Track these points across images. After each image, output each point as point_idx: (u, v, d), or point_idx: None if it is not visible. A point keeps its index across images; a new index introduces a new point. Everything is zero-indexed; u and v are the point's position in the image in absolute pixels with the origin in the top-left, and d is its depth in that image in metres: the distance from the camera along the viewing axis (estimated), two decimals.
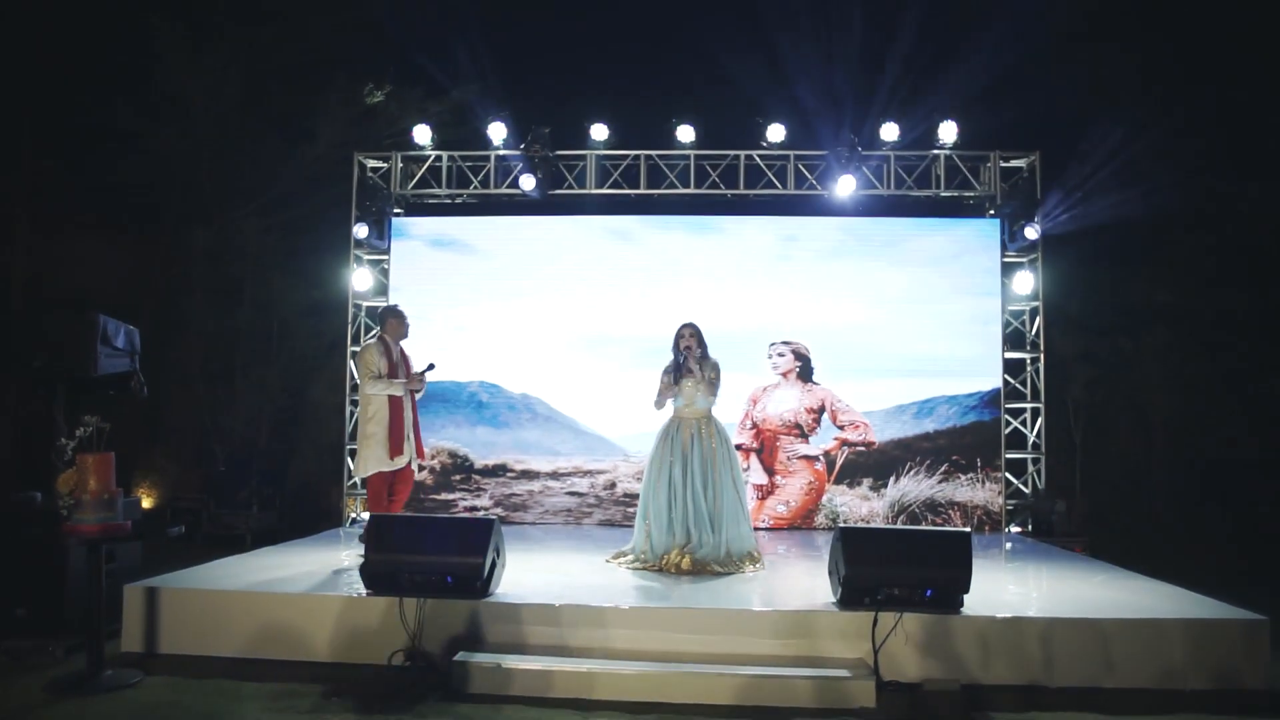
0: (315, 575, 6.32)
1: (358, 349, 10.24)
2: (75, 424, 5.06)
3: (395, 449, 7.13)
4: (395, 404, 7.15)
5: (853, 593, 5.32)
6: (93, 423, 4.97)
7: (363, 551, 5.51)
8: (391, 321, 7.41)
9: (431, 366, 7.41)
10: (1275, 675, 5.16)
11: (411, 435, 7.29)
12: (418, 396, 7.51)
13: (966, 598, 5.34)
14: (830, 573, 5.69)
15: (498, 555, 5.68)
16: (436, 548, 5.44)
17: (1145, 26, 12.26)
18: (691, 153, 10.29)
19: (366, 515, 7.88)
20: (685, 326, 7.16)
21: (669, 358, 7.19)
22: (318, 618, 5.46)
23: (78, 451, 4.95)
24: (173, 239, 12.57)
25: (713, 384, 7.08)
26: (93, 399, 5.92)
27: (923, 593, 5.27)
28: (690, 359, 7.03)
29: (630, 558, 7.05)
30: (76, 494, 4.86)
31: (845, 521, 9.69)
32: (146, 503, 11.94)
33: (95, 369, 5.49)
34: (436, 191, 10.56)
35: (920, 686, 5.06)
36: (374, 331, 10.39)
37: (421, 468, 7.83)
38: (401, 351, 7.38)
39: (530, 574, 6.55)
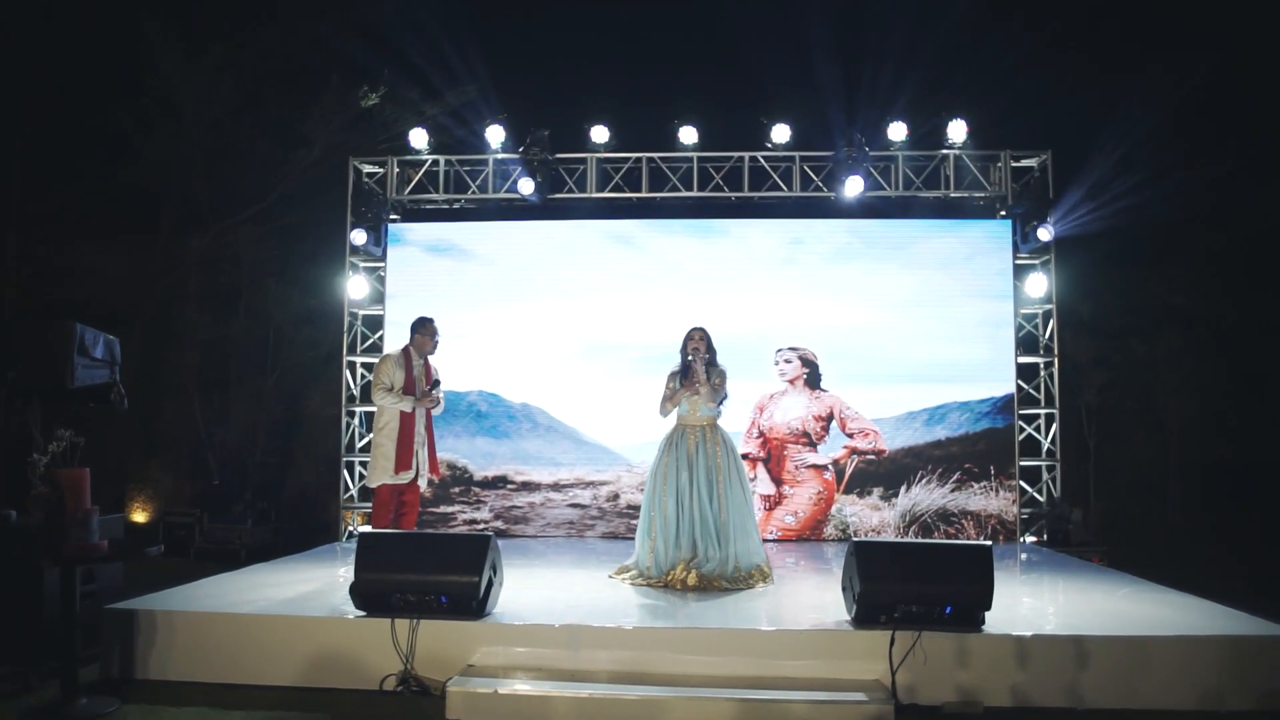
0: (306, 595, 6.08)
1: (355, 358, 10.09)
2: (50, 438, 4.81)
3: (402, 463, 7.08)
4: (407, 418, 7.12)
5: (868, 610, 5.06)
6: (67, 437, 4.72)
7: None
8: (418, 336, 7.35)
9: (437, 383, 7.24)
10: None
11: (421, 451, 7.19)
12: (435, 412, 7.37)
13: (988, 615, 5.08)
14: (844, 589, 5.43)
15: (494, 573, 5.42)
16: (430, 566, 5.19)
17: (1160, 25, 12.04)
18: (694, 155, 10.06)
19: (366, 528, 7.71)
20: (694, 330, 6.91)
21: (673, 364, 6.96)
22: (306, 640, 5.21)
23: (51, 467, 4.68)
24: (167, 247, 12.35)
25: (717, 390, 6.84)
26: (72, 412, 5.68)
27: (942, 610, 5.01)
28: (698, 363, 6.78)
29: (634, 573, 6.79)
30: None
31: (855, 532, 9.44)
32: (140, 517, 11.72)
33: (72, 380, 5.24)
34: (434, 196, 10.34)
35: (940, 710, 4.81)
36: (376, 339, 10.22)
37: (432, 482, 7.67)
38: (426, 365, 7.28)
39: (530, 591, 6.30)
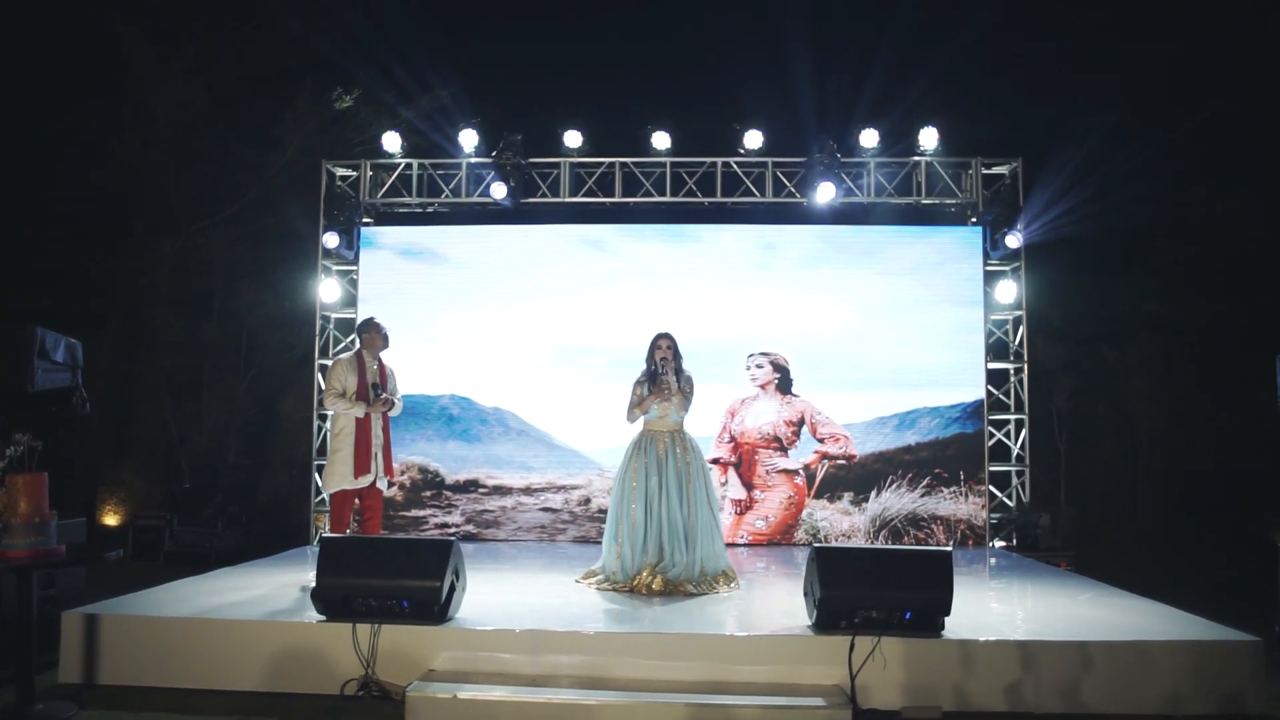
0: (269, 599, 6.06)
1: (327, 361, 10.05)
2: (8, 442, 4.77)
3: (361, 467, 7.01)
4: (363, 422, 7.04)
5: (828, 616, 5.09)
6: (24, 441, 4.68)
7: None
8: (366, 335, 7.28)
9: (376, 386, 7.12)
10: (1273, 698, 4.96)
11: (379, 454, 7.13)
12: (393, 414, 7.33)
13: (948, 620, 5.11)
14: (805, 594, 5.46)
15: (456, 578, 5.42)
16: (391, 570, 5.19)
17: (1127, 35, 12.13)
18: (667, 160, 10.08)
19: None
20: (662, 337, 6.92)
21: (644, 369, 6.96)
22: (267, 645, 5.19)
23: (8, 472, 4.65)
24: (139, 250, 12.27)
25: (687, 397, 6.86)
26: (33, 416, 5.64)
27: (901, 615, 5.05)
28: (666, 370, 6.78)
29: (600, 578, 6.80)
30: (5, 517, 4.58)
31: (826, 537, 9.48)
32: (112, 520, 11.64)
33: (32, 384, 5.21)
34: (407, 200, 10.33)
35: (899, 715, 4.84)
36: (348, 342, 10.19)
37: (391, 485, 7.63)
38: (381, 366, 7.22)
39: (496, 596, 6.31)
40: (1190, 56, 11.77)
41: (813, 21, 12.21)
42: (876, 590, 5.06)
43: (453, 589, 5.34)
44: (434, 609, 5.18)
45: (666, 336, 6.91)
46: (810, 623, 5.30)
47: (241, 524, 10.62)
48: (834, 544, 8.47)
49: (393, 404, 7.22)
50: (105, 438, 11.88)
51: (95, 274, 12.09)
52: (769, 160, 10.07)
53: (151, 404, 12.24)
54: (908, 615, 5.05)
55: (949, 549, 5.29)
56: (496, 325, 9.97)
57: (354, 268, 10.18)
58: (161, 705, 4.94)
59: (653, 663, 5.03)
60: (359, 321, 7.47)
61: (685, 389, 6.85)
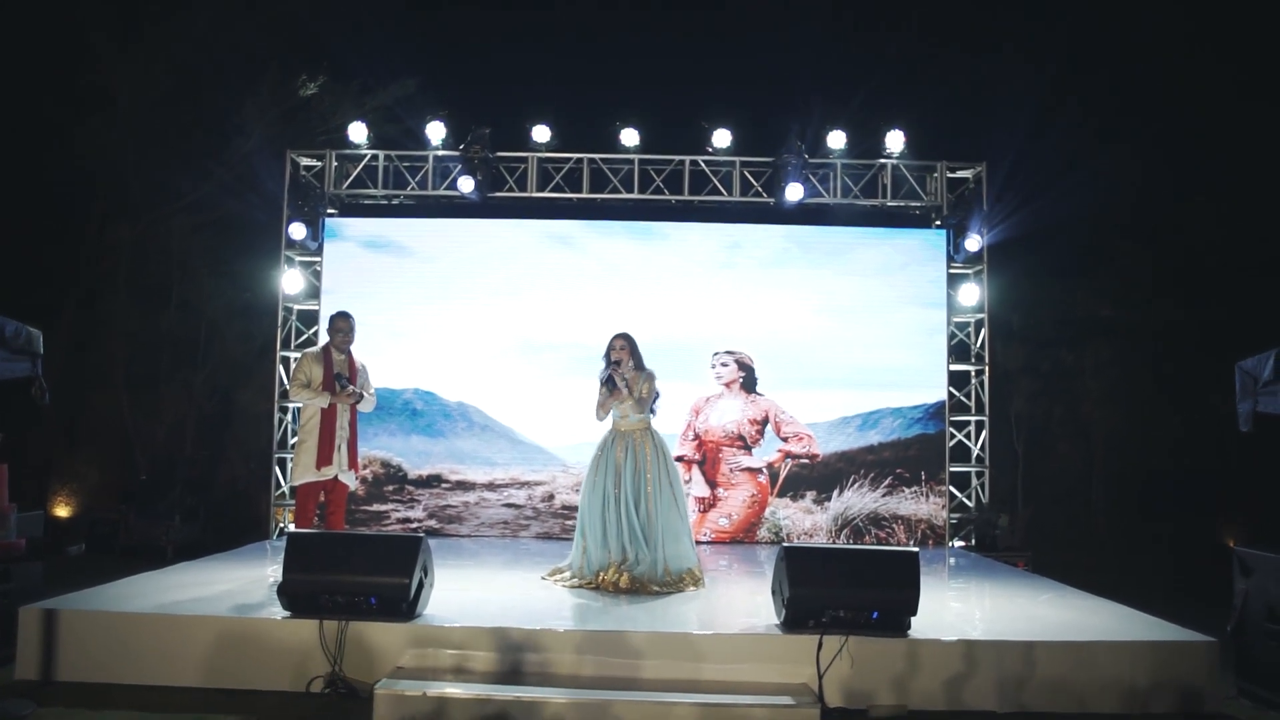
0: (232, 594, 5.97)
1: (288, 354, 9.95)
2: None
3: (323, 459, 6.94)
4: (328, 414, 6.96)
5: (797, 615, 5.11)
6: None
7: None
8: (332, 329, 7.17)
9: (340, 376, 7.03)
10: (1228, 698, 5.08)
11: (344, 446, 7.04)
12: (364, 408, 7.23)
13: (914, 620, 5.16)
14: (774, 593, 5.48)
15: (425, 575, 5.39)
16: (360, 567, 5.13)
17: (1091, 42, 12.31)
18: (635, 157, 10.09)
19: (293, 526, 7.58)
20: (616, 337, 6.84)
21: (601, 368, 6.91)
22: (231, 641, 5.12)
23: None
24: (96, 237, 12.04)
25: (642, 400, 6.76)
26: None
27: (869, 615, 5.08)
28: (616, 374, 6.72)
29: (568, 575, 6.79)
30: None
31: (788, 536, 9.53)
32: (64, 512, 11.44)
33: None
34: (372, 192, 10.24)
35: (866, 713, 4.88)
36: (310, 335, 10.10)
37: (365, 481, 7.54)
38: (350, 360, 7.12)
39: (462, 593, 6.28)
40: (1148, 66, 11.97)
41: (783, 23, 12.28)
42: (845, 590, 5.09)
43: (421, 586, 5.31)
44: (403, 606, 5.14)
45: (621, 336, 6.84)
46: (778, 621, 5.32)
47: (199, 517, 10.50)
48: (803, 543, 8.51)
49: (361, 397, 7.13)
50: (57, 428, 11.65)
51: (49, 260, 11.84)
52: (736, 160, 10.11)
53: (106, 394, 12.03)
54: (875, 615, 5.09)
55: (916, 550, 5.33)
56: (461, 319, 9.92)
57: (317, 259, 10.08)
58: (122, 702, 4.85)
59: (620, 660, 5.03)
60: (330, 315, 7.36)
61: (642, 390, 6.75)
